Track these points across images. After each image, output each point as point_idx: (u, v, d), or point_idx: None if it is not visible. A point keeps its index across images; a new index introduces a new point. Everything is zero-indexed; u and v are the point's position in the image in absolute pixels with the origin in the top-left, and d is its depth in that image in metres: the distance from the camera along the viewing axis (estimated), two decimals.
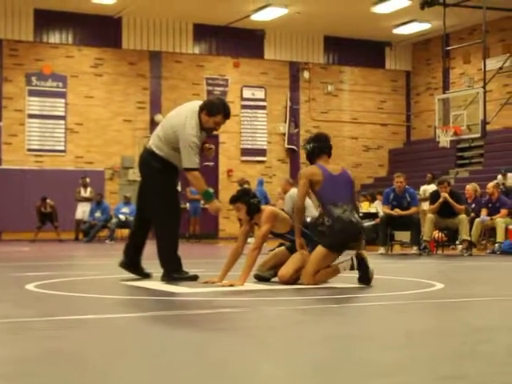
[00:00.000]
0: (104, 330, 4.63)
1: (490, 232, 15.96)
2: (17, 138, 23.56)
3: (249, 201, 7.45)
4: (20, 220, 22.26)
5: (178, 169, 7.88)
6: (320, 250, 7.33)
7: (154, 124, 24.87)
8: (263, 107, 26.54)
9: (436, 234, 15.15)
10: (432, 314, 5.52)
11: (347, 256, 7.39)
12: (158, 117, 24.82)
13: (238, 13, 24.07)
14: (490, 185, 16.05)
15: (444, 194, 14.32)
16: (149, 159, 7.86)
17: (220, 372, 3.33)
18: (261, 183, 22.77)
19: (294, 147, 26.67)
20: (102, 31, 24.34)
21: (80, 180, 22.79)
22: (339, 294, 6.76)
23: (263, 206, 7.63)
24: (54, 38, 24.03)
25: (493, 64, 23.29)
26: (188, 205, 23.34)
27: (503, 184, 19.98)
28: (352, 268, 7.37)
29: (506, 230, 15.12)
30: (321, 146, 7.63)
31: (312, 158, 7.65)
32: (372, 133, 28.14)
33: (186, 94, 25.42)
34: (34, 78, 23.74)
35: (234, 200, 7.57)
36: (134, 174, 24.62)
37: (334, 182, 7.45)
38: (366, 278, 7.28)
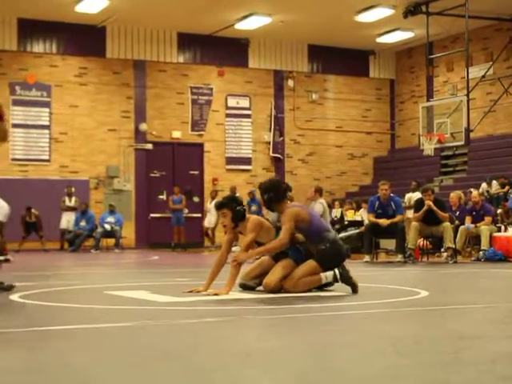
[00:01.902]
0: (89, 340, 4.62)
1: (474, 239, 16.01)
2: (1, 148, 23.31)
3: (235, 207, 7.45)
4: (4, 230, 22.13)
5: None
6: (312, 264, 7.41)
7: (138, 133, 24.89)
8: (248, 116, 26.55)
9: (421, 241, 15.19)
10: (416, 322, 5.54)
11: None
12: (142, 126, 24.81)
13: (222, 22, 24.10)
14: (476, 193, 16.12)
15: (428, 202, 14.36)
16: None
17: (204, 380, 3.33)
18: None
19: (279, 156, 26.69)
20: (86, 40, 24.28)
21: (65, 189, 22.72)
22: (324, 302, 6.78)
23: (248, 215, 7.63)
24: (38, 47, 23.97)
25: (476, 72, 23.42)
26: (171, 214, 23.40)
27: (487, 192, 20.09)
28: (336, 280, 7.44)
29: (491, 237, 15.19)
30: (279, 194, 7.64)
31: (272, 205, 7.67)
32: (357, 141, 28.20)
33: (171, 102, 25.44)
34: (17, 88, 23.65)
35: (220, 206, 7.57)
36: (119, 183, 24.60)
37: (314, 214, 8.11)
38: (348, 281, 7.41)
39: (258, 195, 21.80)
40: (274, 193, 7.62)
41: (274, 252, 7.48)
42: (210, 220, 23.19)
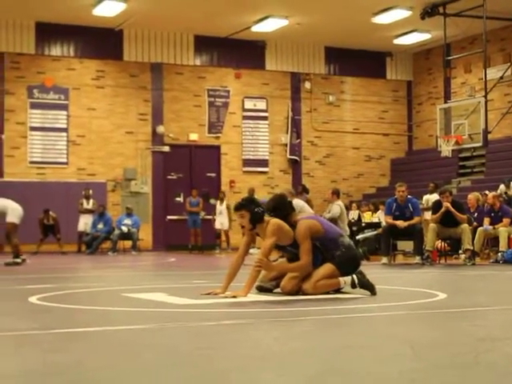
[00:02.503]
0: (107, 342, 4.64)
1: (492, 241, 15.94)
2: (19, 151, 23.59)
3: (253, 209, 7.44)
4: (22, 232, 22.15)
5: None
6: (331, 267, 7.42)
7: (155, 135, 24.95)
8: (265, 118, 26.56)
9: (439, 243, 15.14)
10: (435, 324, 5.51)
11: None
12: (159, 128, 24.87)
13: (238, 24, 24.13)
14: (491, 195, 16.05)
15: (446, 204, 14.32)
16: None
17: (220, 383, 3.34)
18: None
19: (296, 158, 26.68)
20: (103, 43, 24.39)
21: (82, 192, 22.80)
22: (341, 304, 6.76)
23: (267, 218, 7.57)
24: (56, 50, 24.08)
25: (493, 73, 23.32)
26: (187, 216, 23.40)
27: (505, 193, 19.98)
28: (354, 286, 7.42)
29: (509, 238, 15.11)
30: (285, 210, 7.67)
31: (284, 220, 7.63)
32: (374, 143, 28.15)
33: (188, 105, 25.49)
34: (35, 91, 23.78)
35: (239, 207, 7.55)
36: (137, 186, 24.68)
37: (326, 221, 8.07)
38: (366, 286, 7.40)
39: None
40: (280, 210, 7.66)
41: (296, 272, 7.49)
42: (222, 222, 22.85)
